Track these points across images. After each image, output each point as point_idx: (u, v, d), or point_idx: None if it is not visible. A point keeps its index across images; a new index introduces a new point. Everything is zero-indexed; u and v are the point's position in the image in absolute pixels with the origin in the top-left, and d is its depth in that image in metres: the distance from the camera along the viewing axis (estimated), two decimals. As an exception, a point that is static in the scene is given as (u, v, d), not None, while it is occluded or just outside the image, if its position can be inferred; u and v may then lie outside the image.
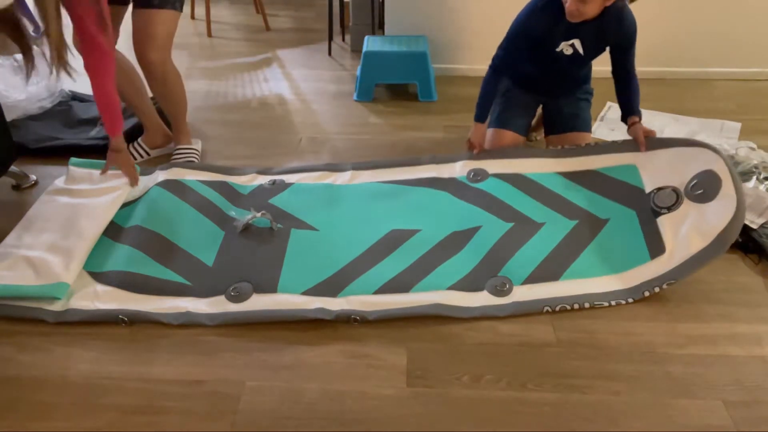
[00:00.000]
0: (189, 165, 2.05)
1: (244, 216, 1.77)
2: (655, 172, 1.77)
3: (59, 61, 1.56)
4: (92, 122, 2.35)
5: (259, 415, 1.25)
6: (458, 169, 1.97)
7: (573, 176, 1.89)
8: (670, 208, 1.66)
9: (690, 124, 2.45)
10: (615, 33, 1.79)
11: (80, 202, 1.78)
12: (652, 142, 1.82)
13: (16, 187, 2.03)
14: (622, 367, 1.36)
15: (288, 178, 2.01)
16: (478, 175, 1.93)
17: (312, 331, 1.46)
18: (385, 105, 2.64)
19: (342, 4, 3.53)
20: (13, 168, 1.99)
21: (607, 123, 2.46)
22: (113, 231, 1.74)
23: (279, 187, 1.96)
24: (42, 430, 1.22)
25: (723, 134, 2.34)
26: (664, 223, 1.64)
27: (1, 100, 2.06)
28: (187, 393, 1.30)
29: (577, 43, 1.83)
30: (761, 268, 1.67)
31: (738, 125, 2.41)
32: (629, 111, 1.89)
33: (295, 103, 2.69)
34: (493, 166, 1.95)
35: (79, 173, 1.89)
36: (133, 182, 1.85)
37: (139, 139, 2.18)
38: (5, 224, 1.75)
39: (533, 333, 1.46)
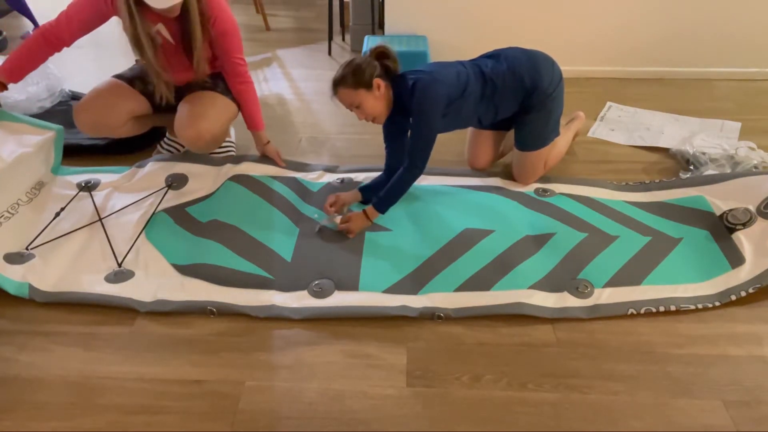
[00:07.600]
0: (256, 159, 2.09)
1: (323, 218, 1.80)
2: (724, 198, 1.80)
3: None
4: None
5: (259, 415, 1.25)
6: (525, 186, 1.99)
7: (640, 205, 1.90)
8: (745, 224, 1.69)
9: (690, 124, 2.45)
10: (410, 107, 1.72)
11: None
12: (717, 176, 1.86)
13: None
14: (622, 367, 1.36)
15: (356, 176, 2.02)
16: (546, 191, 1.95)
17: (312, 331, 1.46)
18: (385, 105, 2.64)
19: (342, 4, 3.53)
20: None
21: (606, 123, 2.46)
22: (192, 225, 1.79)
23: (348, 185, 1.97)
24: (42, 430, 1.23)
25: (723, 134, 2.33)
26: (740, 237, 1.67)
27: (2, 100, 2.06)
28: (187, 393, 1.30)
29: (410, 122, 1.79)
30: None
31: (738, 125, 2.41)
32: (372, 195, 1.79)
33: (295, 103, 2.69)
34: (560, 188, 1.97)
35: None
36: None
37: (167, 137, 2.18)
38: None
39: (533, 333, 1.46)
